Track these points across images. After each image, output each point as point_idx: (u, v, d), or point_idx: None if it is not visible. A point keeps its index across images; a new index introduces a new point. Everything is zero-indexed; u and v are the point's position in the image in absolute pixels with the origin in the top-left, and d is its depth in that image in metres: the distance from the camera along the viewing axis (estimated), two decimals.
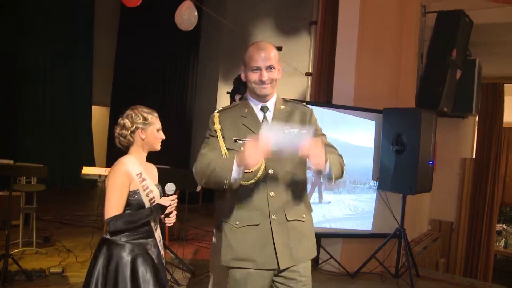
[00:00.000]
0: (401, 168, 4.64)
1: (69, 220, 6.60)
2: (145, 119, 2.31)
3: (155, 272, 2.24)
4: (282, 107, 2.18)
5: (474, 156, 7.57)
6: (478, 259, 7.40)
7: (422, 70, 5.72)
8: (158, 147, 2.38)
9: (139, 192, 2.23)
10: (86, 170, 5.05)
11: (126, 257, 2.18)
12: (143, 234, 2.26)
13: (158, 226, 2.36)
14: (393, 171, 4.71)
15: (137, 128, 2.29)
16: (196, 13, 5.43)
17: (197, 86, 10.17)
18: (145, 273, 2.21)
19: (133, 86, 9.68)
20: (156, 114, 2.38)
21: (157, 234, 2.34)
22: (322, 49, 5.55)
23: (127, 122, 2.29)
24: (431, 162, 4.86)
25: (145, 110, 2.35)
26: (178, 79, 10.10)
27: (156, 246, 2.32)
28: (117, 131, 2.32)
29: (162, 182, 2.40)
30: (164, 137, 2.38)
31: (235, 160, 1.89)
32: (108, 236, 2.22)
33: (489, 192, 7.37)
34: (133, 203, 2.23)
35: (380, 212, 5.02)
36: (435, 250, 6.72)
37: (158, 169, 2.50)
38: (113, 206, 2.16)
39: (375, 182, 4.97)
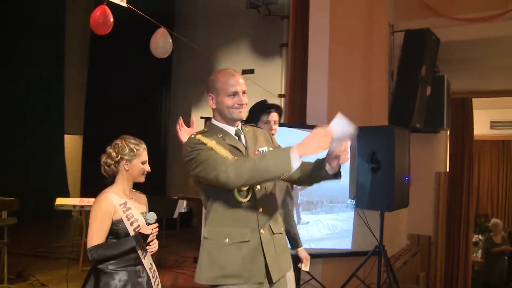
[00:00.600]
0: (377, 185, 4.68)
1: (43, 253, 6.41)
2: (131, 150, 2.35)
3: None
4: (247, 129, 2.27)
5: (448, 170, 7.71)
6: (458, 270, 7.46)
7: (393, 87, 5.82)
8: (142, 179, 2.42)
9: (123, 222, 2.28)
10: (60, 201, 4.96)
11: (114, 285, 2.24)
12: (131, 261, 2.30)
13: (148, 253, 2.40)
14: (370, 188, 4.74)
15: (122, 159, 2.34)
16: (170, 40, 5.44)
17: (171, 112, 10.14)
18: None
19: (105, 114, 9.62)
20: (143, 146, 2.43)
21: (147, 261, 2.38)
22: (294, 71, 5.61)
23: (112, 152, 2.35)
24: (406, 178, 4.92)
25: (133, 141, 2.40)
26: (150, 105, 10.07)
27: (144, 272, 2.36)
28: (103, 159, 2.37)
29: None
30: (149, 170, 2.43)
31: (292, 151, 1.88)
32: (96, 265, 2.28)
33: (464, 204, 7.48)
34: (119, 232, 2.29)
35: (358, 230, 5.03)
36: (415, 264, 6.75)
37: None
38: (94, 235, 2.22)
39: (352, 200, 4.99)
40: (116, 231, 2.29)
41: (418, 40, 5.60)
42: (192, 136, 2.13)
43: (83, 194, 7.78)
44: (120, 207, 2.30)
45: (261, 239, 2.11)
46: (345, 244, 5.00)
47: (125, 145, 2.36)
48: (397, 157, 4.61)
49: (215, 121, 2.22)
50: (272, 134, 2.81)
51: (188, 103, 9.63)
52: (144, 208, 2.46)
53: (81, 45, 10.04)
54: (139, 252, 2.34)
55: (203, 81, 8.37)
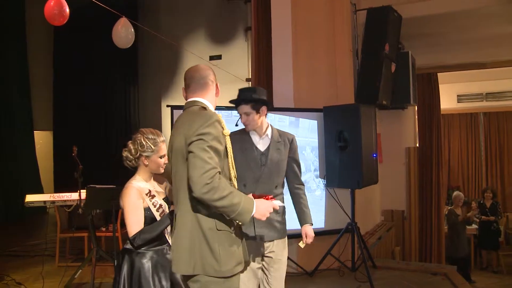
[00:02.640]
0: (346, 163, 4.74)
1: (18, 252, 6.28)
2: (149, 147, 2.49)
3: (171, 274, 2.50)
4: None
5: (417, 145, 7.85)
6: (431, 243, 7.66)
7: (358, 66, 5.87)
8: (161, 171, 2.57)
9: (150, 210, 2.48)
10: (30, 198, 4.88)
11: (147, 263, 2.46)
12: (158, 241, 2.51)
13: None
14: (339, 167, 4.80)
15: (141, 155, 2.50)
16: (132, 29, 5.34)
17: (140, 102, 9.98)
18: (162, 278, 2.48)
19: (74, 108, 9.43)
20: (162, 138, 2.58)
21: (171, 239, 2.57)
22: (259, 55, 5.60)
23: (132, 149, 2.51)
24: (374, 155, 4.99)
25: (151, 136, 2.52)
26: (119, 97, 9.86)
27: (168, 249, 2.55)
28: (124, 154, 2.54)
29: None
30: (167, 162, 2.50)
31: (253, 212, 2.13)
32: (128, 246, 2.49)
33: (434, 178, 7.66)
34: (146, 218, 2.47)
35: (330, 209, 5.11)
36: (390, 239, 6.89)
37: (106, 189, 2.84)
38: (133, 223, 2.40)
39: (322, 180, 5.05)
40: (144, 217, 2.47)
41: (380, 17, 5.66)
42: None
43: (57, 190, 7.65)
44: (146, 196, 2.48)
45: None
46: (318, 223, 5.05)
47: (144, 142, 2.49)
48: (364, 134, 4.67)
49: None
50: (246, 125, 2.87)
51: (156, 93, 9.50)
52: (163, 189, 2.63)
53: (44, 40, 9.76)
54: (165, 232, 2.53)
55: (170, 70, 8.29)
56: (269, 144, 2.91)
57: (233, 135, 2.36)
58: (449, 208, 8.11)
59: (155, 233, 2.44)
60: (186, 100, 2.30)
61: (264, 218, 2.19)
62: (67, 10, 4.06)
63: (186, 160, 2.05)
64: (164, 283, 2.48)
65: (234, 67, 7.66)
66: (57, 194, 4.99)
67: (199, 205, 2.08)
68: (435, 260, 7.57)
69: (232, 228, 2.17)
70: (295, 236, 3.55)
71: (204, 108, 2.23)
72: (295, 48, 5.11)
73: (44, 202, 4.92)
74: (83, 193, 4.32)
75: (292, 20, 5.15)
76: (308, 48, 5.20)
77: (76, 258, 5.68)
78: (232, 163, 2.24)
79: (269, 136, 2.93)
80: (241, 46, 8.31)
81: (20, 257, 6.08)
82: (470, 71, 8.40)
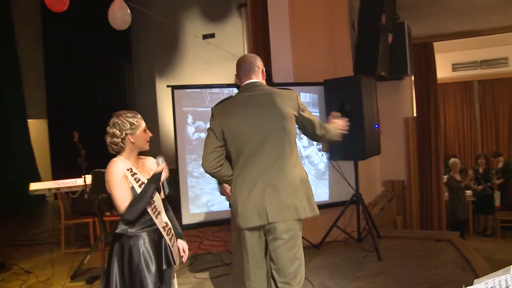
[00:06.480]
0: (349, 136, 4.70)
1: (23, 241, 6.28)
2: (131, 124, 2.48)
3: (158, 255, 2.50)
4: None
5: (415, 115, 7.88)
6: (432, 211, 7.76)
7: (355, 38, 5.83)
8: (147, 147, 2.56)
9: (134, 188, 2.45)
10: (34, 186, 4.84)
11: (140, 245, 2.45)
12: (147, 223, 2.49)
13: (160, 213, 2.56)
14: (342, 140, 4.80)
15: (126, 134, 2.47)
16: (128, 11, 5.23)
17: (135, 84, 9.89)
18: (154, 260, 2.47)
19: (68, 94, 9.29)
20: (139, 116, 2.54)
21: (159, 220, 2.55)
22: (256, 31, 5.56)
23: (116, 131, 2.47)
24: (376, 126, 5.01)
25: (129, 114, 2.51)
26: (114, 80, 9.75)
27: (158, 231, 2.54)
28: (108, 140, 2.50)
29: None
30: (151, 134, 2.58)
31: None
32: (118, 231, 2.48)
33: (433, 147, 7.71)
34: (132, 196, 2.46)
35: (334, 182, 5.14)
36: (391, 209, 6.97)
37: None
38: (121, 200, 2.38)
39: (325, 153, 5.07)
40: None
41: None
42: None
43: (55, 177, 7.59)
44: (128, 171, 2.46)
45: None
46: (322, 196, 5.11)
47: (125, 121, 2.47)
48: (365, 106, 4.68)
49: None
50: None
51: (151, 73, 9.42)
52: (149, 171, 2.58)
53: (32, 25, 9.55)
54: (151, 214, 2.51)
55: (164, 49, 8.16)
56: None
57: None
58: (448, 175, 8.26)
59: (142, 202, 2.42)
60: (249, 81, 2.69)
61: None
62: None
63: (292, 122, 2.60)
64: (155, 265, 2.47)
65: (229, 45, 7.57)
66: (62, 181, 4.97)
67: (299, 158, 2.66)
68: (436, 227, 7.68)
69: None
70: None
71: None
72: (292, 23, 5.08)
73: (49, 189, 4.90)
74: (88, 178, 4.31)
75: None
76: (305, 22, 5.17)
77: (81, 244, 5.69)
78: None
79: None
80: (235, 24, 8.22)
81: (25, 246, 6.08)
82: (465, 39, 8.36)
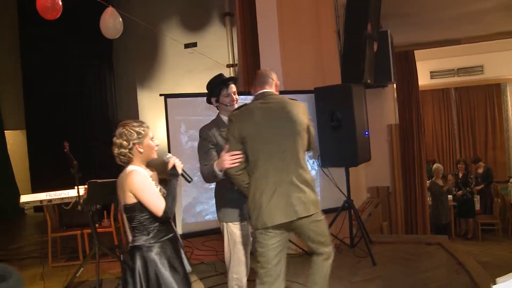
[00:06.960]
0: (340, 143, 4.80)
1: (5, 256, 6.10)
2: (138, 133, 2.48)
3: (181, 260, 2.55)
4: None
5: (398, 122, 8.02)
6: (416, 216, 7.90)
7: (342, 46, 5.91)
8: (155, 155, 2.56)
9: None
10: (25, 198, 4.72)
11: (159, 256, 2.44)
12: (162, 233, 2.50)
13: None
14: (333, 147, 4.87)
15: (134, 144, 2.46)
16: (120, 19, 5.16)
17: (116, 93, 9.73)
18: (176, 266, 2.50)
19: (47, 104, 9.05)
20: (146, 124, 2.55)
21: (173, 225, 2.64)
22: (245, 40, 5.58)
23: (123, 142, 2.46)
24: (366, 133, 5.08)
25: (135, 124, 2.51)
26: (94, 89, 9.55)
27: (174, 237, 2.59)
28: (116, 151, 2.49)
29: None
30: (158, 143, 2.57)
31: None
32: (137, 243, 2.45)
33: (416, 153, 7.87)
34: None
35: (325, 188, 5.18)
36: (378, 215, 7.06)
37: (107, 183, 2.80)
38: (158, 202, 2.40)
39: (316, 160, 5.10)
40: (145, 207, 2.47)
41: None
42: None
43: (35, 190, 7.38)
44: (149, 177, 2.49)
45: None
46: None
47: (131, 131, 2.47)
48: (356, 113, 4.75)
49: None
50: (235, 104, 3.10)
51: (132, 82, 9.32)
52: (154, 179, 2.60)
53: (8, 33, 9.34)
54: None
55: (145, 58, 8.08)
56: None
57: None
58: (430, 180, 8.45)
59: (175, 196, 2.47)
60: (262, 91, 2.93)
61: None
62: (60, 2, 3.88)
63: (305, 129, 2.85)
64: (181, 270, 2.52)
65: (211, 53, 7.59)
66: (54, 192, 4.85)
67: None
68: (420, 231, 7.82)
69: None
70: None
71: None
72: (281, 33, 5.15)
73: (41, 201, 4.77)
74: (82, 189, 4.23)
75: (277, 5, 5.16)
76: (293, 31, 5.24)
77: (68, 257, 5.55)
78: None
79: None
80: (217, 32, 8.25)
81: (6, 261, 5.89)
82: (443, 47, 8.59)
